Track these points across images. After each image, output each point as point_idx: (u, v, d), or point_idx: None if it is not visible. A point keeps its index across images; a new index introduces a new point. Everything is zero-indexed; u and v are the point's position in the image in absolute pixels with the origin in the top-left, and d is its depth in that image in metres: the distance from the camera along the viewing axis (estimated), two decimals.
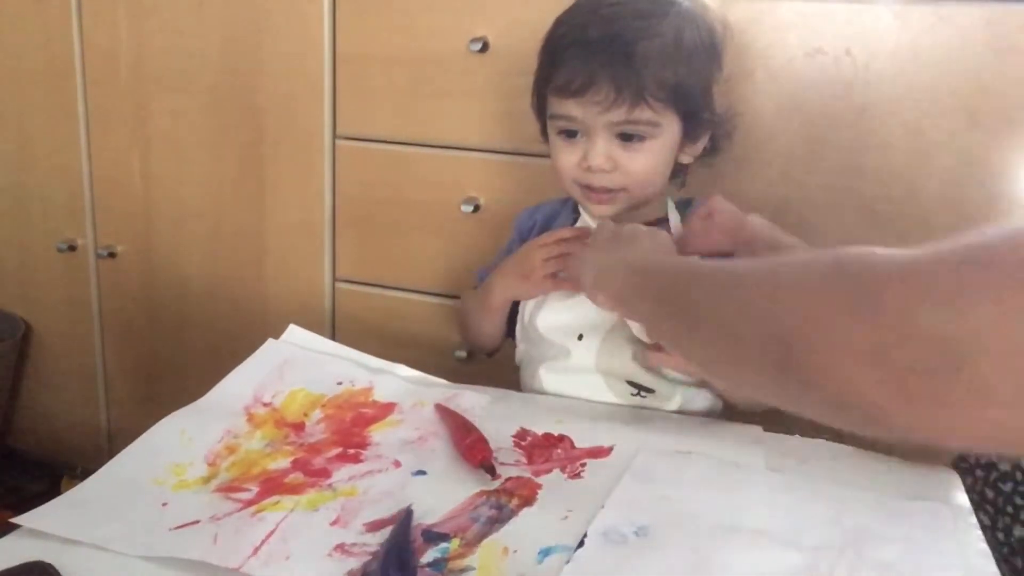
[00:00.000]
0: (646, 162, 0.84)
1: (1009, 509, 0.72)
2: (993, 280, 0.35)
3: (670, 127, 0.84)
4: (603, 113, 0.81)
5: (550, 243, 0.88)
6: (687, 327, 0.56)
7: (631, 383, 0.85)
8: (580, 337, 0.86)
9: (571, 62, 0.82)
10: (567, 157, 0.86)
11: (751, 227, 0.83)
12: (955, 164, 1.00)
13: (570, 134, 0.85)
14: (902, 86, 1.00)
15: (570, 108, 0.83)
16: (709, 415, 0.87)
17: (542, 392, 0.89)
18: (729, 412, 0.91)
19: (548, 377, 0.89)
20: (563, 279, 0.86)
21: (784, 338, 0.42)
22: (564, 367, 0.87)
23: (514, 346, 0.96)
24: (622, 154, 0.83)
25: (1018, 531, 0.71)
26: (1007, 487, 0.73)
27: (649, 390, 0.84)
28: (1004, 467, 0.74)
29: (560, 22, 0.87)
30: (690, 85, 0.83)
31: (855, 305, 0.39)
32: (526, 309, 0.92)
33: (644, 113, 0.81)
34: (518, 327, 0.94)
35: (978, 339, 0.35)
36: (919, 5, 0.98)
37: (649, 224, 0.83)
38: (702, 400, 0.87)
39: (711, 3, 0.98)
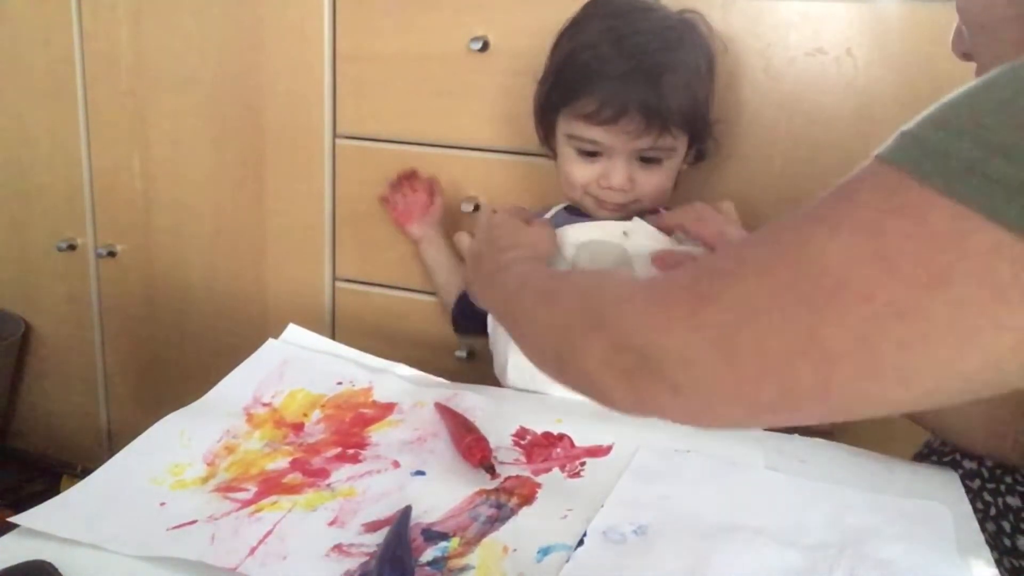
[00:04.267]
0: (661, 180, 0.90)
1: (979, 505, 0.72)
2: (670, 308, 0.47)
3: (682, 146, 0.90)
4: (630, 141, 0.86)
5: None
6: (513, 331, 0.68)
7: None
8: None
9: (601, 91, 0.85)
10: (583, 172, 0.90)
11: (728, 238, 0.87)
12: None
13: (590, 153, 0.89)
14: (903, 86, 1.00)
15: (596, 134, 0.87)
16: None
17: (513, 385, 0.89)
18: None
19: (518, 363, 0.89)
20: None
21: (556, 346, 0.55)
22: None
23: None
24: (640, 174, 0.89)
25: (990, 527, 0.71)
26: (975, 484, 0.73)
27: None
28: (969, 464, 0.75)
29: (579, 46, 0.88)
30: (703, 107, 0.90)
31: (591, 322, 0.52)
32: None
33: (666, 140, 0.87)
34: (490, 321, 0.97)
35: (664, 354, 0.46)
36: (920, 5, 0.98)
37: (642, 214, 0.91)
38: None
39: (712, 5, 0.99)
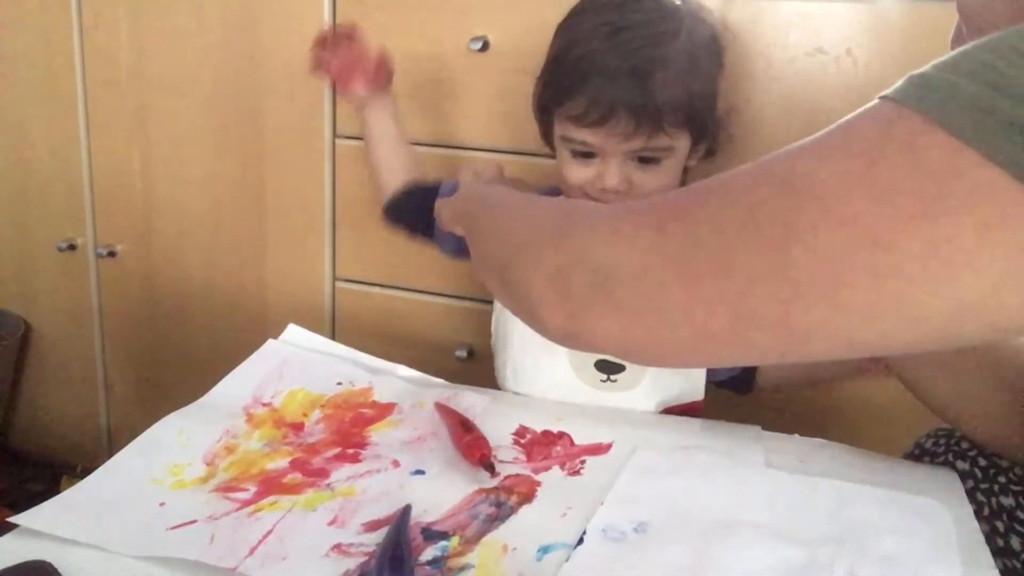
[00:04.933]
0: (661, 181, 0.85)
1: (972, 505, 0.72)
2: (640, 221, 0.46)
3: (682, 144, 0.85)
4: (621, 142, 0.82)
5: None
6: (473, 239, 0.68)
7: (599, 367, 0.85)
8: None
9: (588, 92, 0.80)
10: (579, 173, 0.86)
11: None
12: None
13: (584, 154, 0.85)
14: None
15: (586, 136, 0.83)
16: (691, 407, 0.87)
17: (512, 388, 0.89)
18: (717, 405, 0.91)
19: (517, 367, 0.89)
20: None
21: (507, 255, 0.54)
22: (534, 356, 0.88)
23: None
24: (638, 174, 0.84)
25: (983, 527, 0.71)
26: (968, 484, 0.73)
27: (619, 368, 0.84)
28: (962, 465, 0.75)
29: (572, 42, 0.84)
30: (701, 102, 0.84)
31: (553, 235, 0.50)
32: (501, 309, 0.93)
33: (661, 140, 0.82)
34: (493, 322, 0.96)
35: (620, 269, 0.45)
36: (920, 5, 0.98)
37: None
38: (675, 380, 0.86)
39: (712, 4, 0.99)
